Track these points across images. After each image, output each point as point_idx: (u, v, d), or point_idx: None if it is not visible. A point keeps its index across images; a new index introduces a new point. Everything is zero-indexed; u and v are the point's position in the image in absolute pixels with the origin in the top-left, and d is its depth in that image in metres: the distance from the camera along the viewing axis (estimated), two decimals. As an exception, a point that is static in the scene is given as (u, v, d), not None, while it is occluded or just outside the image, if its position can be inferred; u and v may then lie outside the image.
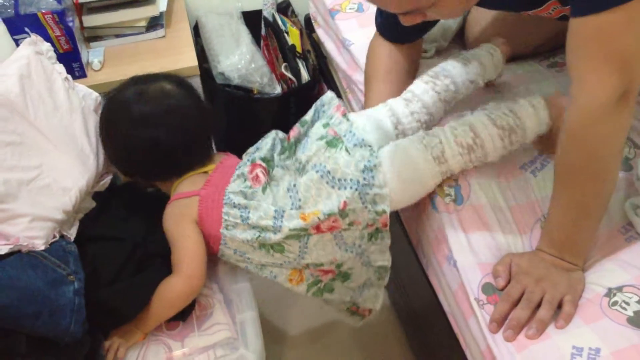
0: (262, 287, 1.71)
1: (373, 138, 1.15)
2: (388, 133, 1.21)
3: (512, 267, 1.04)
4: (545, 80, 1.38)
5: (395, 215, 1.38)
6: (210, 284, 1.25)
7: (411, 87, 1.25)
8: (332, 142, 1.12)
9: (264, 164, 1.19)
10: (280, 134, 1.28)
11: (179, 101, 1.21)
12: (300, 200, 1.11)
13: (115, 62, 1.77)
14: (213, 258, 1.29)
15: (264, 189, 1.15)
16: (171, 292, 1.15)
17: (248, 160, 1.21)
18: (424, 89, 1.23)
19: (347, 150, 1.10)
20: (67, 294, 1.02)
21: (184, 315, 1.19)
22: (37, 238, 1.05)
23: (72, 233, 1.15)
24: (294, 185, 1.13)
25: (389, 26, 1.33)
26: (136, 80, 1.24)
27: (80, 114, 1.24)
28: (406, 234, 1.37)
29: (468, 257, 1.09)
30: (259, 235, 1.12)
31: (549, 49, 1.49)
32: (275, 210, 1.11)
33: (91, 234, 1.18)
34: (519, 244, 1.11)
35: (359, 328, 1.80)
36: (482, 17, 1.46)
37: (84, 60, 1.71)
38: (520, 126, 1.10)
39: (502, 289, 1.03)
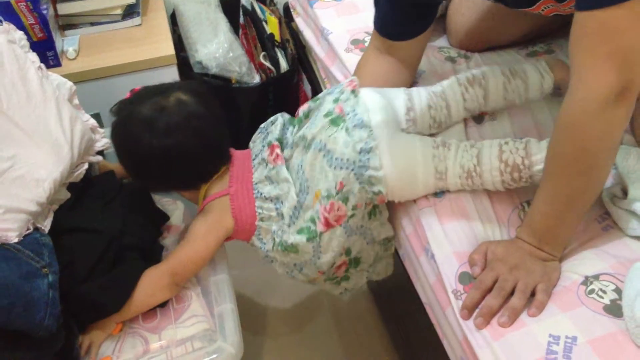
0: (242, 279, 1.71)
1: (379, 118, 1.13)
2: (398, 115, 1.20)
3: (487, 254, 1.04)
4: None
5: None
6: (188, 275, 1.24)
7: (444, 83, 1.24)
8: (335, 121, 1.14)
9: (279, 145, 1.21)
10: (286, 115, 1.29)
11: (198, 109, 1.18)
12: (307, 180, 1.14)
13: (91, 50, 1.75)
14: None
15: (285, 165, 1.18)
16: (151, 278, 1.16)
17: (263, 145, 1.23)
18: (454, 91, 1.22)
19: (347, 130, 1.11)
20: (42, 287, 1.00)
21: (162, 304, 1.19)
22: (10, 230, 1.03)
23: (46, 225, 1.13)
24: (301, 165, 1.16)
25: (388, 22, 1.30)
26: (150, 93, 1.20)
27: (55, 103, 1.22)
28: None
29: (445, 248, 1.09)
30: (282, 228, 1.16)
31: (530, 39, 1.49)
32: (298, 201, 1.15)
33: (66, 225, 1.16)
34: (497, 233, 1.11)
35: (340, 319, 1.81)
36: (464, 6, 1.46)
37: (58, 48, 1.69)
38: (528, 166, 1.07)
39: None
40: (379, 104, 1.16)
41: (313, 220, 1.13)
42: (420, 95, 1.23)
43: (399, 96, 1.22)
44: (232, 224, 1.20)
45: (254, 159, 1.24)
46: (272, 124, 1.28)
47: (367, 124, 1.11)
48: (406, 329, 1.57)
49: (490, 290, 1.00)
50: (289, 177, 1.17)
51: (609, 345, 0.89)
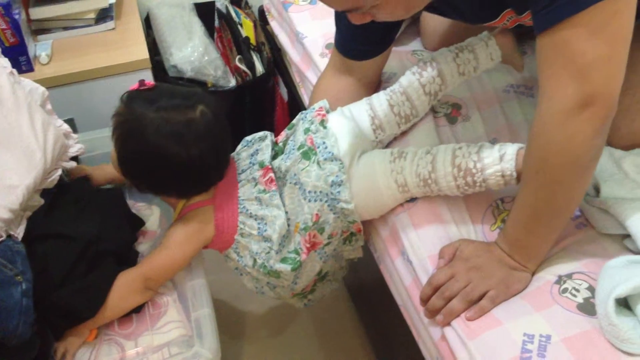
0: (220, 284, 1.70)
1: (347, 143, 1.16)
2: (365, 131, 1.23)
3: (457, 251, 1.05)
4: (496, 70, 1.40)
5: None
6: (164, 281, 1.24)
7: (401, 79, 1.26)
8: (307, 154, 1.16)
9: (274, 170, 1.20)
10: (271, 135, 1.28)
11: (217, 121, 1.16)
12: (288, 213, 1.17)
13: (64, 55, 1.73)
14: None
15: (281, 193, 1.18)
16: (125, 282, 1.14)
17: (252, 163, 1.22)
18: (410, 81, 1.24)
19: (318, 164, 1.14)
20: (15, 295, 0.99)
21: (137, 309, 1.18)
22: (-18, 238, 1.02)
23: (19, 232, 1.11)
24: (281, 194, 1.18)
25: (347, 42, 1.31)
26: (156, 96, 1.14)
27: (27, 109, 1.21)
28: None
29: (421, 251, 1.10)
30: (269, 251, 1.16)
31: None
32: (288, 230, 1.16)
33: (40, 232, 1.15)
34: (472, 234, 1.12)
35: (319, 321, 1.82)
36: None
37: (31, 53, 1.67)
38: (480, 169, 1.06)
39: None
40: (346, 129, 1.18)
41: (297, 252, 1.16)
42: (380, 99, 1.25)
43: (362, 108, 1.25)
44: (212, 235, 1.19)
45: (240, 173, 1.22)
46: (262, 141, 1.25)
47: (337, 157, 1.13)
48: (384, 330, 1.57)
49: (441, 286, 1.01)
50: (281, 205, 1.16)
51: (583, 344, 0.90)
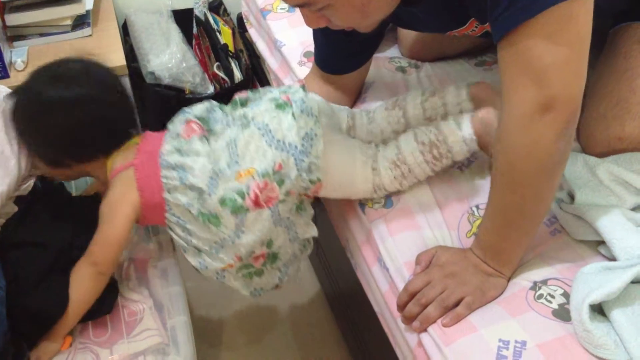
0: (197, 291, 1.70)
1: (323, 119, 1.14)
2: (340, 121, 1.22)
3: (433, 257, 1.05)
4: (473, 77, 1.41)
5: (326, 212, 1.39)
6: (139, 288, 1.23)
7: (376, 111, 1.26)
8: (281, 105, 1.13)
9: (198, 122, 1.16)
10: (214, 102, 1.25)
11: (95, 76, 1.19)
12: (238, 155, 1.10)
13: (40, 61, 1.67)
14: (143, 264, 1.27)
15: (200, 138, 1.13)
16: (77, 275, 1.12)
17: (180, 121, 1.18)
18: (382, 116, 1.24)
19: (293, 115, 1.10)
20: (-13, 303, 0.98)
21: (108, 308, 1.17)
22: (-46, 246, 1.01)
23: (-8, 240, 1.10)
24: (234, 139, 1.12)
25: (326, 57, 1.32)
26: (42, 70, 1.20)
27: (1, 115, 1.20)
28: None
29: (397, 258, 1.10)
30: (198, 198, 1.10)
31: (481, 49, 1.52)
32: (212, 170, 1.10)
33: (13, 240, 1.14)
34: (447, 240, 1.12)
35: (297, 328, 1.81)
36: None
37: (6, 60, 1.66)
38: (443, 140, 1.10)
39: None
40: (324, 108, 1.18)
41: (241, 194, 1.09)
42: (360, 115, 1.25)
43: (342, 112, 1.25)
44: (137, 198, 1.14)
45: (167, 132, 1.19)
46: (194, 105, 1.23)
47: (314, 113, 1.11)
48: (361, 336, 1.57)
49: (418, 292, 1.01)
50: (202, 150, 1.12)
51: (558, 349, 0.91)
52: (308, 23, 1.01)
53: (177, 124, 1.18)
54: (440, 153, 1.11)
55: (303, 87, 1.17)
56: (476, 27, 1.15)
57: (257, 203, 1.09)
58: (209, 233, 1.12)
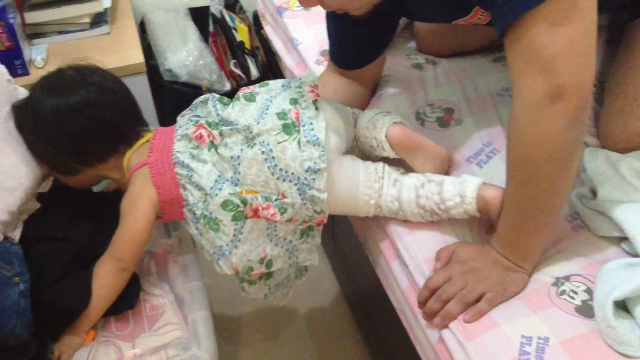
0: (215, 286, 1.70)
1: (332, 141, 1.11)
2: (349, 131, 1.18)
3: (453, 253, 1.05)
4: (490, 74, 1.41)
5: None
6: (161, 283, 1.24)
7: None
8: (288, 128, 1.08)
9: (208, 128, 1.15)
10: (216, 95, 1.23)
11: (96, 80, 1.20)
12: (240, 174, 1.09)
13: (59, 59, 1.69)
14: (164, 259, 1.28)
15: (209, 148, 1.13)
16: (100, 270, 1.13)
17: (190, 121, 1.18)
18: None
19: (299, 143, 1.07)
20: (12, 296, 0.99)
21: (131, 303, 1.18)
22: (-21, 240, 1.02)
23: (16, 234, 1.12)
24: (238, 157, 1.09)
25: (338, 52, 1.32)
26: (39, 83, 1.21)
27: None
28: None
29: (417, 254, 1.09)
30: (203, 200, 1.10)
31: (497, 45, 1.51)
32: (219, 176, 1.10)
33: (35, 235, 1.15)
34: (467, 236, 1.12)
35: (315, 325, 1.81)
36: None
37: (26, 57, 1.67)
38: (445, 210, 1.08)
39: None
40: (335, 125, 1.14)
41: (244, 201, 1.08)
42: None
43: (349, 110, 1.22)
44: (154, 194, 1.14)
45: (177, 130, 1.19)
46: (204, 104, 1.22)
47: (321, 142, 1.07)
48: (381, 333, 1.57)
49: (438, 288, 1.01)
50: (209, 160, 1.12)
51: (581, 346, 0.90)
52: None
53: (188, 122, 1.18)
54: (441, 218, 1.11)
55: (315, 101, 1.11)
56: (482, 14, 1.13)
57: (256, 213, 1.09)
58: (209, 236, 1.12)
